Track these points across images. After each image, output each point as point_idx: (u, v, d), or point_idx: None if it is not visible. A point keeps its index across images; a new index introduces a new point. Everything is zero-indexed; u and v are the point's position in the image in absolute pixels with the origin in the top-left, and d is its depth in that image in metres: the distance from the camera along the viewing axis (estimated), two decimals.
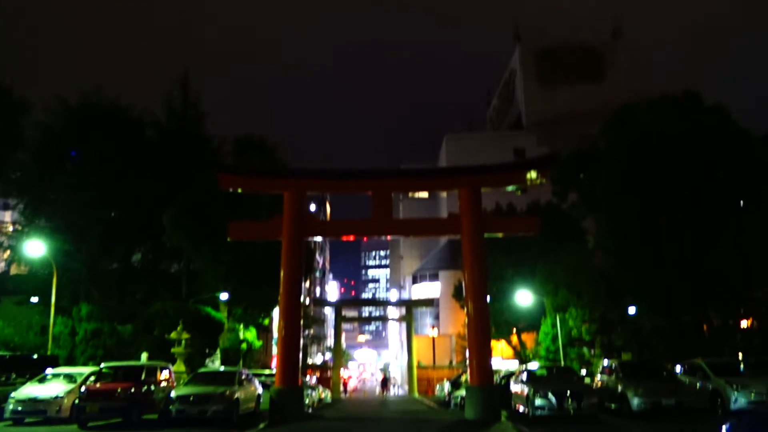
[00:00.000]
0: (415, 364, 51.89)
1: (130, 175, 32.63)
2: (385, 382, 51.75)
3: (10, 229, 36.14)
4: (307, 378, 35.04)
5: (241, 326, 33.21)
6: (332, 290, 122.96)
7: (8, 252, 34.70)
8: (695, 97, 25.95)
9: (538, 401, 16.99)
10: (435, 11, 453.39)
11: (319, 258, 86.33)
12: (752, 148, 24.50)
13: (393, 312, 61.21)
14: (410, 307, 56.67)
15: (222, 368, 25.64)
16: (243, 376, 19.48)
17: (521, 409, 18.48)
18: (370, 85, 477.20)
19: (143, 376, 18.24)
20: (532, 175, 20.03)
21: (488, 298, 21.23)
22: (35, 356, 23.33)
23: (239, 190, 22.64)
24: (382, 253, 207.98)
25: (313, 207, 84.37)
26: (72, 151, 33.83)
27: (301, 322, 21.01)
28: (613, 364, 19.75)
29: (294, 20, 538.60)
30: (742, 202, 25.35)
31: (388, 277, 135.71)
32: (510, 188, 22.67)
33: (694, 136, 24.24)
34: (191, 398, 16.90)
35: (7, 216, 48.01)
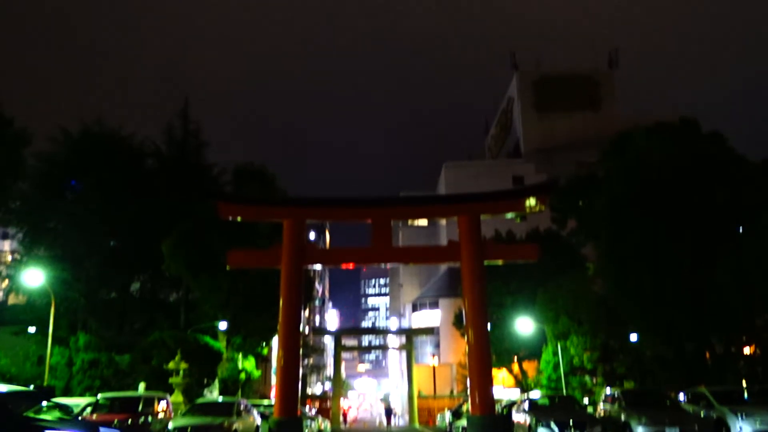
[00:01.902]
0: (415, 393, 51.29)
1: (130, 203, 32.69)
2: (388, 413, 51.02)
3: (9, 258, 36.04)
4: (307, 408, 34.58)
5: (240, 356, 32.91)
6: (332, 319, 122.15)
7: (6, 281, 34.55)
8: (692, 124, 26.12)
9: (540, 431, 16.80)
10: (433, 42, 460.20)
11: (318, 286, 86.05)
12: (750, 174, 24.59)
13: (393, 341, 60.70)
14: (410, 335, 56.23)
15: (220, 399, 25.34)
16: (241, 407, 19.27)
17: None
18: (369, 115, 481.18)
19: (140, 407, 18.05)
20: (532, 202, 20.13)
21: (489, 326, 21.11)
22: (31, 387, 23.08)
23: (239, 219, 22.67)
24: (382, 281, 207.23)
25: (312, 235, 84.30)
26: (72, 180, 33.96)
27: (301, 351, 20.85)
28: (616, 393, 19.55)
29: (293, 51, 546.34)
30: (741, 228, 25.34)
31: (388, 305, 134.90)
32: (509, 215, 22.71)
33: (691, 163, 24.36)
34: (189, 429, 16.68)
35: (6, 245, 48.02)
